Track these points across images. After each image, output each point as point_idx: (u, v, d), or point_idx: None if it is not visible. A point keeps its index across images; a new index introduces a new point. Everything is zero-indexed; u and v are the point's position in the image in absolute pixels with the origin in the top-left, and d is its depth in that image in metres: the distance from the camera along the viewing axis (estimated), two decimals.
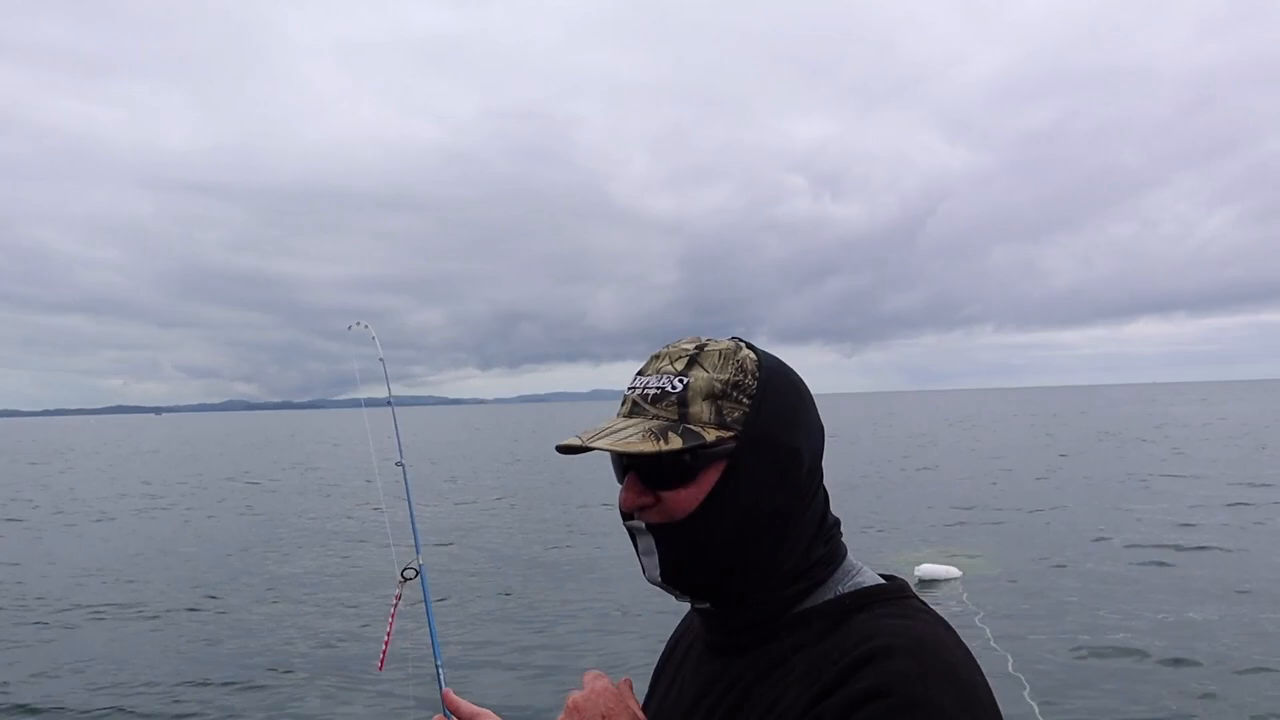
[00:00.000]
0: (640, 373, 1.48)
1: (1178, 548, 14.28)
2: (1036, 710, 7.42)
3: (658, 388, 1.44)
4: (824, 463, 1.49)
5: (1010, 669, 8.22)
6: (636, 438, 1.40)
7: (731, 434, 1.39)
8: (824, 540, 1.44)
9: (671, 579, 1.43)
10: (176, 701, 8.70)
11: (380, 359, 3.04)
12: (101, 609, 12.44)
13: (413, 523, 2.65)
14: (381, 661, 2.39)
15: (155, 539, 19.15)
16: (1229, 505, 18.85)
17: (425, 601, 2.38)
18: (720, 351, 1.44)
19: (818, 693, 1.29)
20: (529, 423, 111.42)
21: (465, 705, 1.85)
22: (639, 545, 1.45)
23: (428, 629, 2.36)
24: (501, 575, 13.96)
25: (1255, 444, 35.95)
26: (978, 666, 1.30)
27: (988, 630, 9.50)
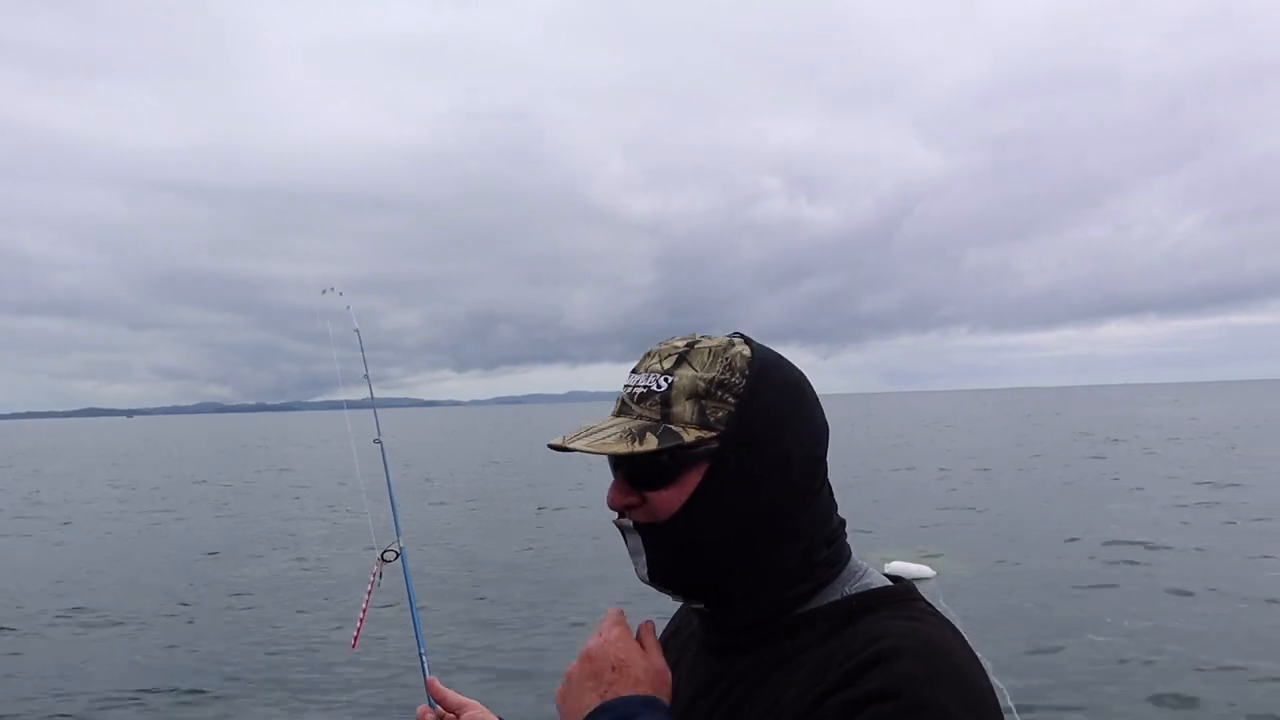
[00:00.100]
0: (634, 370, 1.45)
1: (1149, 546, 14.40)
2: (1015, 709, 7.45)
3: (644, 386, 1.41)
4: None
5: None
6: (613, 438, 1.38)
7: (714, 435, 1.36)
8: (827, 542, 1.40)
9: (659, 579, 1.41)
10: (153, 703, 8.59)
11: (355, 329, 2.96)
12: (63, 616, 12.21)
13: (392, 504, 2.52)
14: (355, 639, 2.29)
15: (122, 543, 18.91)
16: (1199, 505, 19.05)
17: (407, 585, 2.24)
18: (710, 349, 1.40)
19: (822, 692, 1.25)
20: (506, 424, 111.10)
21: (451, 695, 1.81)
22: (628, 544, 1.43)
23: (410, 615, 2.22)
24: (475, 576, 13.90)
25: (1225, 444, 36.39)
26: (984, 670, 1.28)
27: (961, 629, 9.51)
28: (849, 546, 1.44)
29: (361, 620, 2.25)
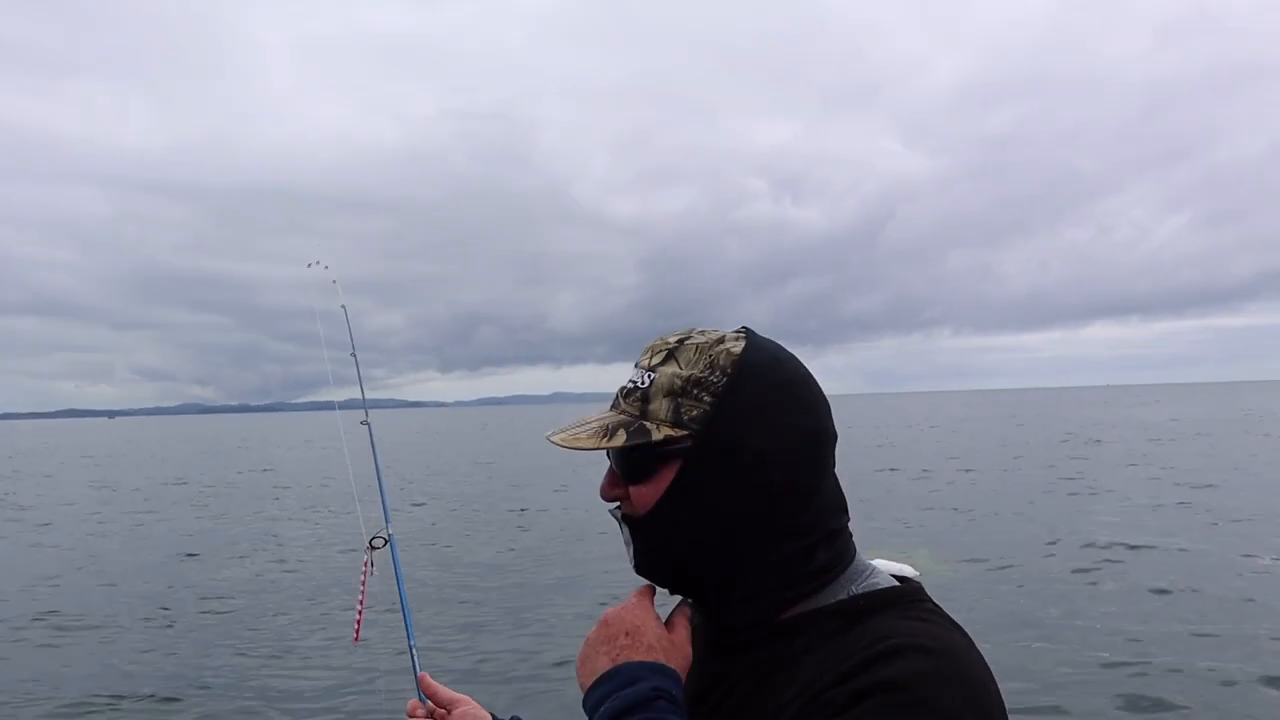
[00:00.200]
0: (636, 364, 1.46)
1: (1129, 546, 14.47)
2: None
3: (633, 382, 1.42)
4: None
5: None
6: (587, 433, 1.39)
7: (686, 433, 1.35)
8: (829, 541, 1.39)
9: (644, 571, 1.43)
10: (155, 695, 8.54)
11: (342, 306, 2.93)
12: (39, 619, 12.06)
13: (381, 489, 2.47)
14: (356, 633, 2.24)
15: (102, 544, 18.73)
16: (1179, 505, 19.17)
17: (396, 575, 2.19)
18: (698, 345, 1.40)
19: (826, 684, 1.25)
20: (490, 425, 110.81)
21: (443, 690, 1.80)
22: (622, 533, 1.44)
23: (398, 610, 2.15)
24: (457, 576, 13.84)
25: (1206, 445, 36.63)
26: (991, 675, 1.27)
27: None
28: (854, 546, 1.44)
29: (360, 613, 2.21)
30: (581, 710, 1.31)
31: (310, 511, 23.24)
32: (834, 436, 1.43)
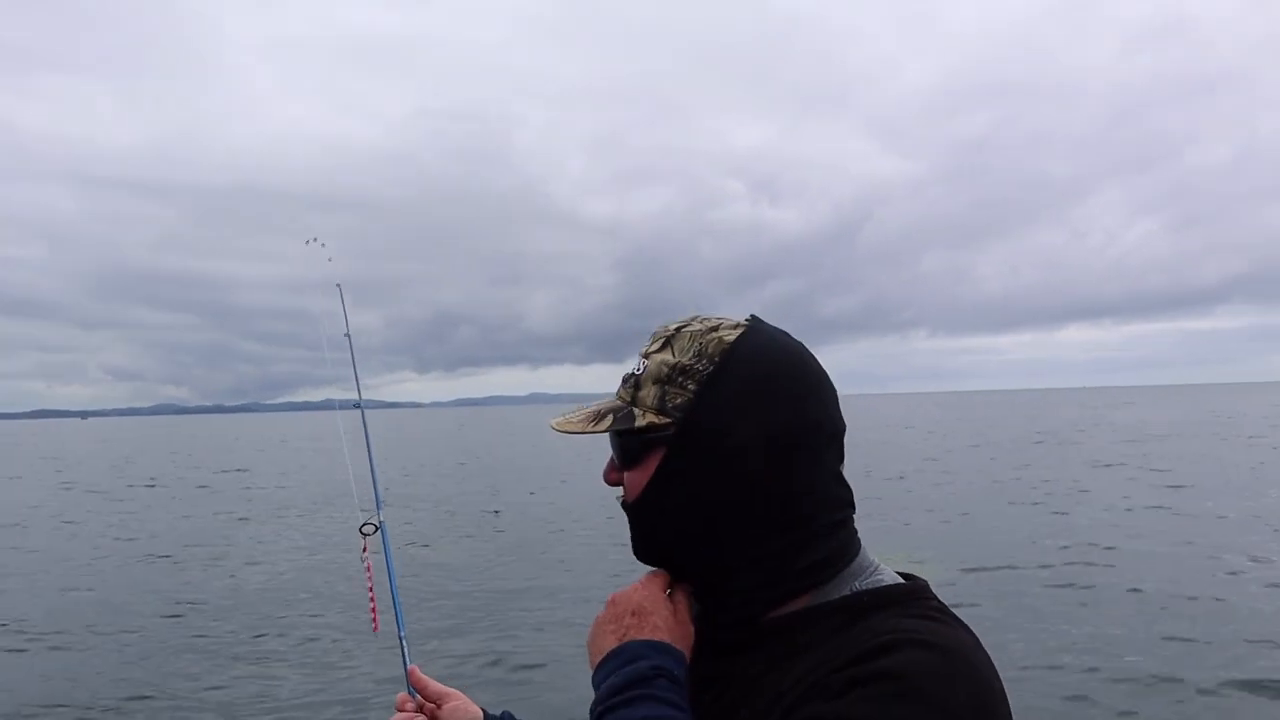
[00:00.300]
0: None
1: (1104, 548, 14.59)
2: None
3: (631, 369, 1.44)
4: None
5: None
6: (579, 418, 1.43)
7: (668, 421, 1.36)
8: (824, 538, 1.36)
9: (642, 557, 1.45)
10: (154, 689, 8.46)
11: (338, 285, 2.89)
12: (2, 625, 11.94)
13: (373, 473, 2.42)
14: (375, 622, 2.17)
15: (75, 547, 18.52)
16: (1153, 507, 19.36)
17: (387, 564, 2.11)
18: (693, 333, 1.40)
19: (824, 672, 1.23)
20: (466, 426, 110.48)
21: (433, 684, 1.78)
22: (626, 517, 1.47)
23: (391, 599, 2.09)
24: (436, 576, 13.81)
25: (1179, 447, 37.02)
26: (996, 673, 1.26)
27: None
28: (859, 541, 1.41)
29: (373, 600, 2.14)
30: (568, 704, 1.31)
31: (297, 516, 23.06)
32: (833, 430, 1.40)
